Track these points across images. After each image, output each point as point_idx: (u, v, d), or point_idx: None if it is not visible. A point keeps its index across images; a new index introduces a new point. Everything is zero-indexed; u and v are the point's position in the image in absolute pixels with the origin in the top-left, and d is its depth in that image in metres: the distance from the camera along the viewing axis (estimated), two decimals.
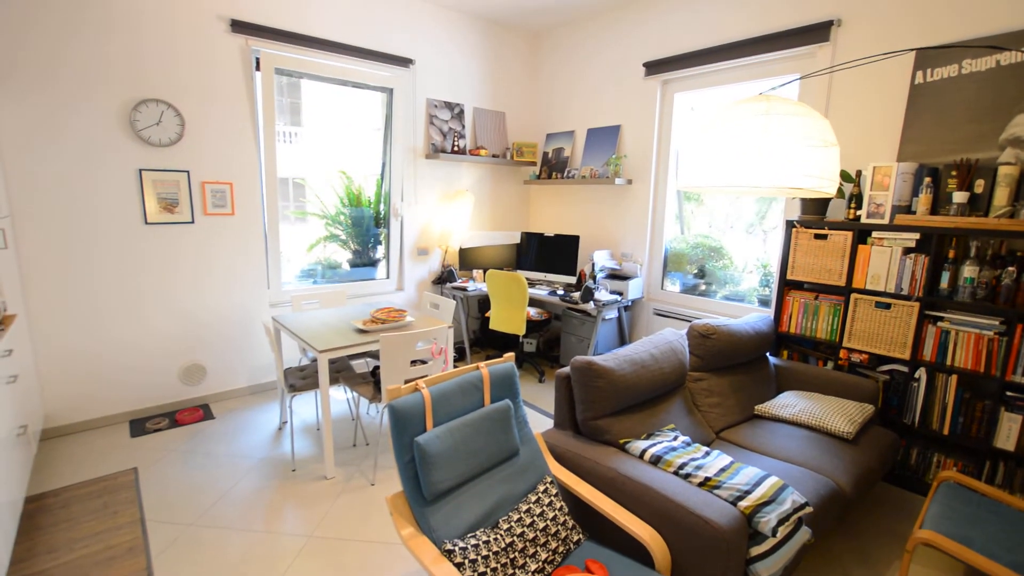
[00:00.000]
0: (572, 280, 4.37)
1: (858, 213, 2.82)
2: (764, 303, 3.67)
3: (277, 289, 3.75)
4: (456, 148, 4.35)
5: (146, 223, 3.14)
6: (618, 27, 4.17)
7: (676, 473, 1.69)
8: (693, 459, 1.75)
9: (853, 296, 2.75)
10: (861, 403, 2.52)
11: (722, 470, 1.68)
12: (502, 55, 4.68)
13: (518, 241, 4.85)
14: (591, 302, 3.78)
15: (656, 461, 1.75)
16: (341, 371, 2.99)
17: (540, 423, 3.37)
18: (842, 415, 2.36)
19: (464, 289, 4.23)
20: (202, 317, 3.42)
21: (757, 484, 1.62)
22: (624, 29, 4.13)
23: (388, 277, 4.37)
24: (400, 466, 1.53)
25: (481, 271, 4.58)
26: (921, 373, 2.54)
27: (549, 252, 4.50)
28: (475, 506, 1.57)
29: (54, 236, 2.90)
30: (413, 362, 2.63)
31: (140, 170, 3.08)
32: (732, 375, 2.63)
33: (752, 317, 2.91)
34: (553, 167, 4.74)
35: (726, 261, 4.01)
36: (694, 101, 3.94)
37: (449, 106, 4.39)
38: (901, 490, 2.67)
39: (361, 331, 2.77)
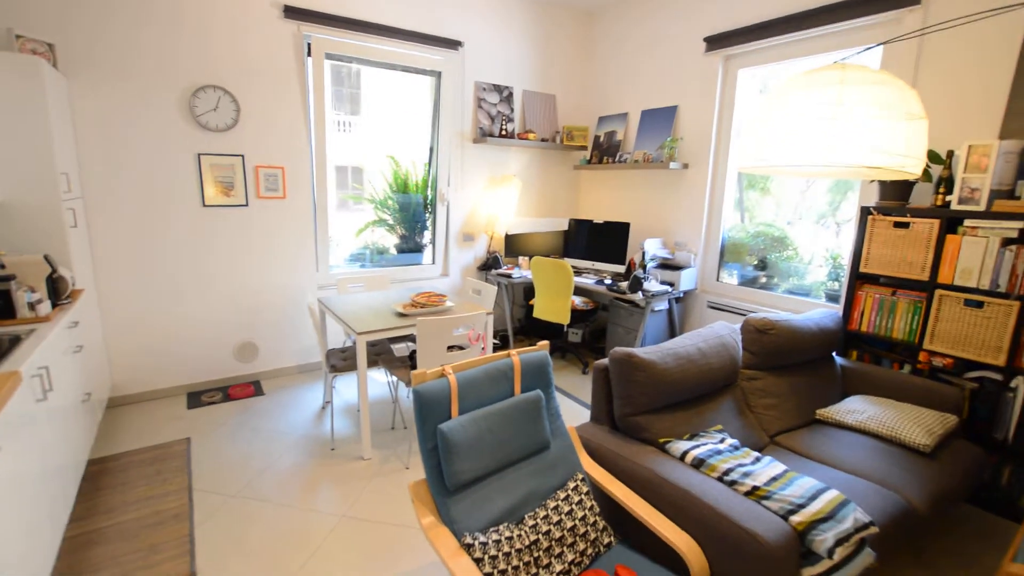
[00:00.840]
0: (621, 269, 4.19)
1: (947, 198, 2.49)
2: (833, 299, 3.36)
3: (325, 272, 3.83)
4: (504, 132, 4.26)
5: (204, 205, 3.27)
6: (675, 1, 3.90)
7: (721, 479, 1.54)
8: (741, 465, 1.59)
9: (938, 292, 2.44)
10: (942, 413, 2.23)
11: (773, 479, 1.52)
12: (553, 35, 4.53)
13: (566, 228, 4.71)
14: (639, 292, 3.60)
15: (699, 465, 1.60)
16: (381, 354, 3.00)
17: (580, 415, 3.26)
18: (918, 425, 2.10)
19: (509, 276, 4.16)
20: (255, 297, 3.55)
21: (813, 497, 1.45)
22: (683, 3, 3.86)
23: (434, 262, 4.36)
24: (423, 453, 1.48)
25: (527, 258, 4.48)
26: (1019, 382, 2.22)
27: (598, 240, 4.34)
28: (500, 499, 1.50)
29: (122, 217, 3.07)
30: (450, 348, 2.59)
31: (199, 154, 3.20)
32: (791, 375, 2.40)
33: (817, 313, 2.65)
34: (604, 151, 4.55)
35: (790, 252, 3.70)
36: (760, 78, 3.63)
37: (498, 89, 4.29)
38: (988, 514, 2.36)
39: (400, 315, 2.76)
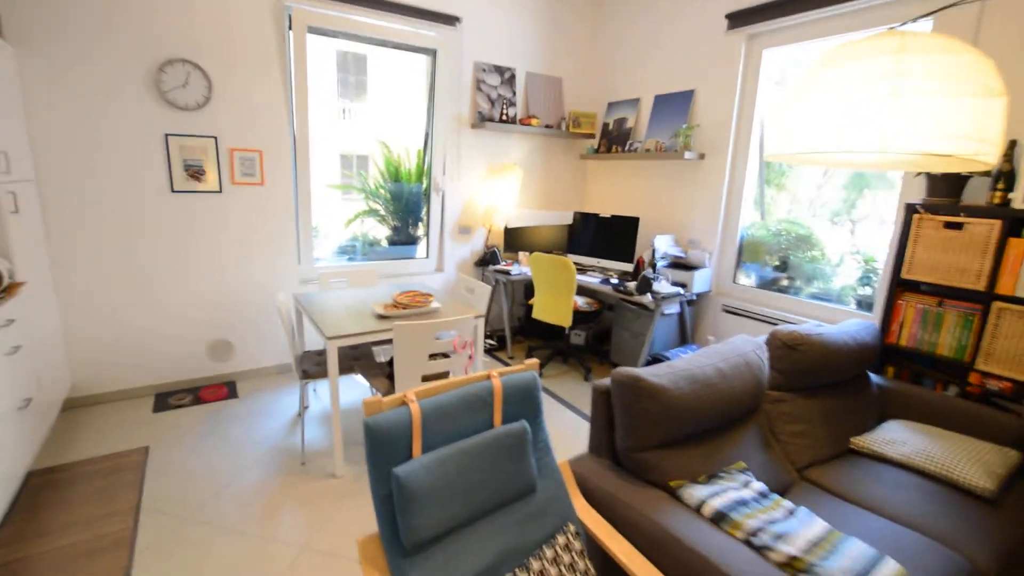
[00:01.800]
0: (629, 268, 3.87)
1: (1009, 196, 2.15)
2: (864, 305, 3.03)
3: (309, 265, 3.55)
4: (505, 117, 3.94)
5: (173, 191, 2.99)
6: None
7: (748, 542, 1.24)
8: (772, 522, 1.29)
9: (996, 305, 2.11)
10: (1001, 447, 1.91)
11: (815, 543, 1.21)
12: (560, 13, 4.18)
13: (570, 222, 4.39)
14: (648, 294, 3.29)
15: (719, 519, 1.30)
16: (359, 359, 2.72)
17: (580, 429, 2.97)
18: (976, 462, 1.78)
19: (507, 273, 3.85)
20: (230, 292, 3.27)
21: (868, 572, 1.14)
22: None
23: (427, 256, 4.07)
24: (376, 501, 1.19)
25: (527, 253, 4.18)
26: None
27: (604, 235, 4.02)
28: (471, 559, 1.21)
29: (82, 202, 2.80)
30: (433, 356, 2.30)
31: (166, 135, 2.92)
32: (823, 397, 2.09)
33: (851, 324, 2.32)
34: (613, 140, 4.21)
35: (815, 252, 3.36)
36: (787, 59, 3.28)
37: (499, 70, 3.96)
38: None
39: (380, 316, 2.47)
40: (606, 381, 1.65)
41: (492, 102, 3.96)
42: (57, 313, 2.81)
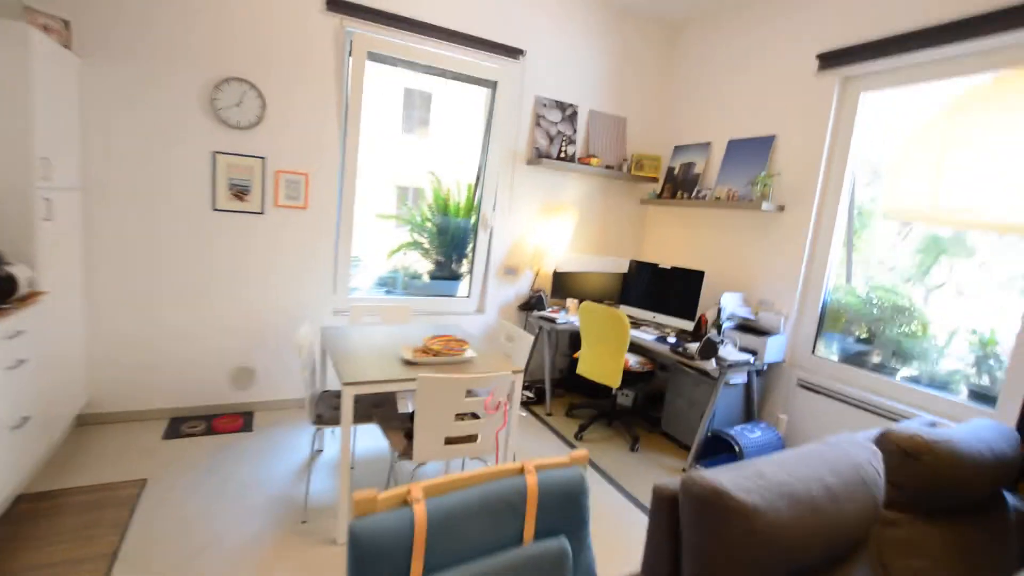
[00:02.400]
0: (689, 326, 3.46)
1: None
2: (982, 398, 2.49)
3: (343, 295, 3.36)
4: (563, 154, 3.71)
5: (214, 209, 2.90)
6: (782, 13, 3.26)
7: None
8: None
9: None
10: None
11: None
12: (629, 50, 3.98)
13: (625, 270, 4.04)
14: (712, 359, 2.87)
15: None
16: (380, 405, 2.44)
17: (623, 517, 2.53)
18: None
19: (553, 321, 3.53)
20: (260, 316, 3.12)
21: None
22: (790, 14, 3.21)
23: (469, 296, 3.82)
24: None
25: (576, 301, 3.85)
26: None
27: (663, 288, 3.64)
28: None
29: (123, 214, 2.74)
30: (460, 416, 1.99)
31: (215, 152, 2.85)
32: (948, 523, 1.61)
33: (980, 426, 1.83)
34: (679, 185, 3.89)
35: (914, 326, 2.86)
36: (887, 104, 2.89)
37: (560, 106, 3.77)
38: None
39: (407, 362, 2.19)
40: (671, 482, 1.27)
41: (551, 138, 3.75)
42: (82, 326, 2.71)
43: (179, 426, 2.90)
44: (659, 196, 4.00)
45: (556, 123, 3.77)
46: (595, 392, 3.94)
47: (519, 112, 3.63)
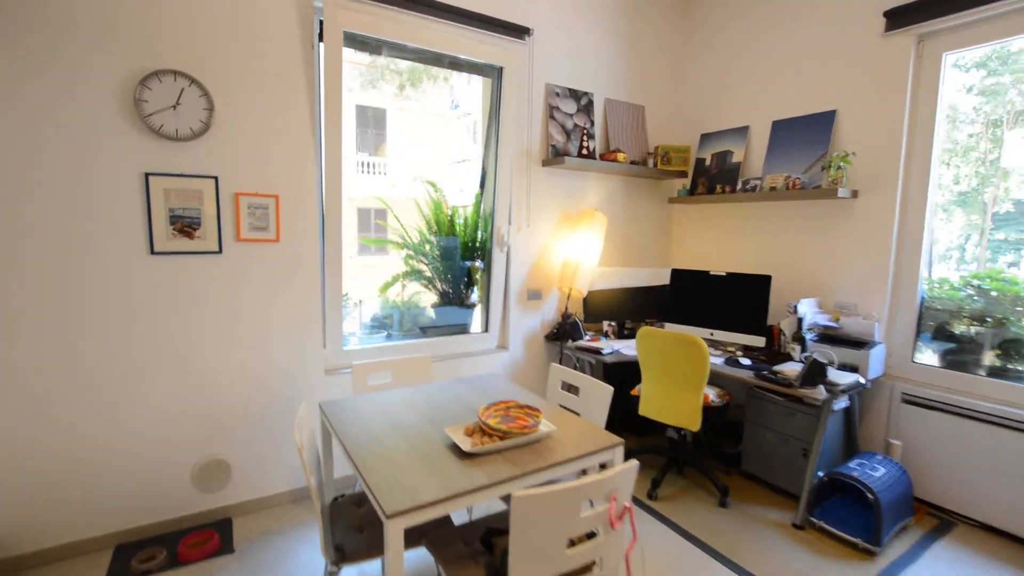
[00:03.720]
0: (757, 342, 2.91)
1: None
2: None
3: (336, 349, 2.61)
4: (585, 151, 3.11)
5: (152, 252, 2.11)
6: None
7: None
8: None
9: None
10: None
11: None
12: (642, 24, 3.45)
13: (665, 282, 3.47)
14: (820, 385, 2.31)
15: None
16: (431, 530, 1.72)
17: None
18: None
19: (597, 352, 2.89)
20: (227, 392, 2.32)
21: None
22: None
23: (486, 330, 3.13)
24: None
25: (612, 324, 3.24)
26: None
27: (718, 299, 3.08)
28: None
29: (20, 268, 1.91)
30: (574, 540, 1.31)
31: (146, 174, 2.07)
32: None
33: None
34: (714, 178, 3.37)
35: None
36: (973, 63, 2.46)
37: (575, 95, 3.18)
38: None
39: (467, 455, 1.50)
40: None
41: (567, 133, 3.15)
42: None
43: (128, 560, 2.06)
44: (692, 192, 3.47)
45: (571, 115, 3.17)
46: (646, 427, 3.32)
47: (530, 103, 3.01)
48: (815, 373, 2.30)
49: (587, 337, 3.10)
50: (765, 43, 3.14)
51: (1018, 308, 2.42)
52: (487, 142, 3.06)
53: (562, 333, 3.13)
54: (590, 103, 3.24)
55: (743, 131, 3.27)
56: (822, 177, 2.80)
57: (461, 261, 3.17)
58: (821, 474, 2.42)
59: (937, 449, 2.51)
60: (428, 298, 3.27)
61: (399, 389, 2.12)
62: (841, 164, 2.65)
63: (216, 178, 2.19)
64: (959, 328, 2.61)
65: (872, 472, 2.36)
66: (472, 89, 2.98)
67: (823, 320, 2.80)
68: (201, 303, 2.23)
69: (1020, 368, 2.41)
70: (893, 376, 2.70)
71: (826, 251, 2.90)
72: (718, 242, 3.48)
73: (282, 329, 2.41)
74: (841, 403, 2.52)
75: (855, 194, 2.74)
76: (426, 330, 3.06)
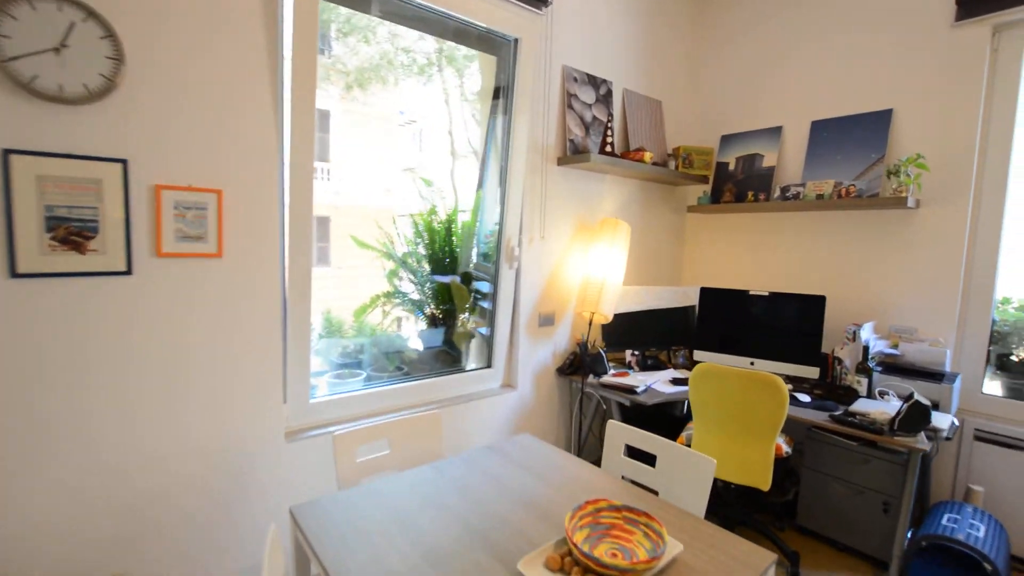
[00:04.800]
0: (811, 373, 2.50)
1: None
2: None
3: (302, 404, 1.91)
4: (608, 148, 2.60)
5: (13, 275, 1.35)
6: None
7: None
8: None
9: None
10: None
11: None
12: (659, 10, 3.02)
13: (691, 302, 3.01)
14: (921, 432, 1.90)
15: None
16: None
17: None
18: None
19: (631, 391, 2.36)
20: (144, 474, 1.57)
21: None
22: None
23: (490, 365, 2.52)
24: None
25: (635, 354, 2.74)
26: None
27: (760, 323, 2.66)
28: None
29: None
30: None
31: (5, 151, 1.32)
32: None
33: None
34: (741, 184, 2.97)
35: None
36: None
37: (593, 83, 2.68)
38: None
39: None
40: None
41: (586, 127, 2.63)
42: None
43: None
44: (716, 200, 3.05)
45: (590, 105, 2.66)
46: None
47: (546, 87, 2.46)
48: (918, 418, 1.89)
49: (612, 371, 2.57)
50: (805, 36, 2.78)
51: None
52: (488, 135, 2.48)
53: (575, 365, 2.58)
54: (608, 93, 2.74)
55: (775, 132, 2.90)
56: (880, 184, 2.46)
57: (462, 279, 2.55)
58: (909, 535, 2.01)
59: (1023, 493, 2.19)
60: (411, 323, 2.62)
61: (409, 471, 1.47)
62: (909, 170, 2.30)
63: (125, 162, 1.46)
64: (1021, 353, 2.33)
65: (974, 532, 1.98)
66: (423, 94, 2.42)
67: (883, 347, 2.43)
68: (99, 348, 1.47)
69: None
70: (963, 410, 2.37)
71: (881, 268, 2.56)
72: (743, 257, 3.08)
73: (224, 382, 1.69)
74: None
75: (917, 204, 2.41)
76: (410, 367, 2.41)
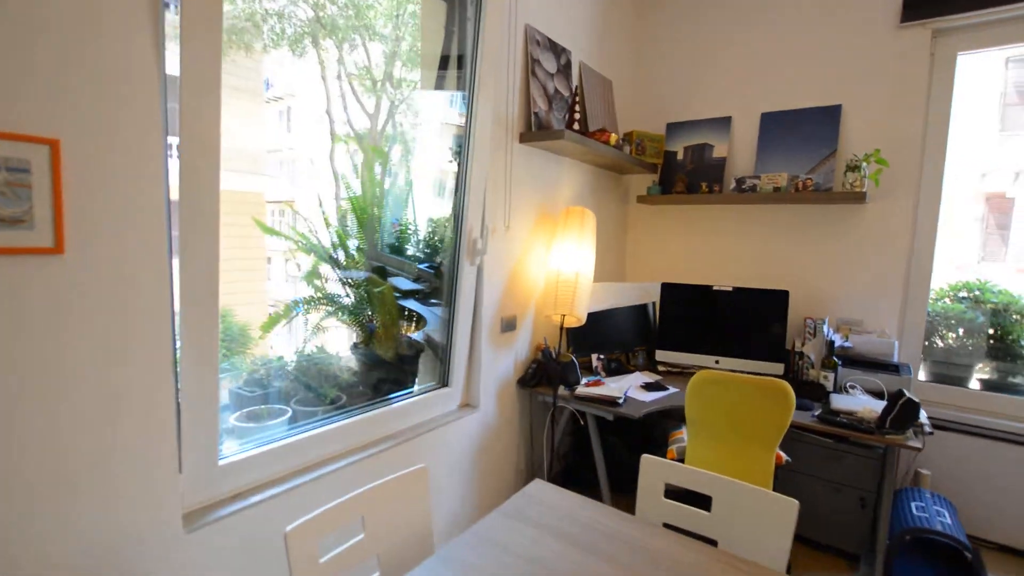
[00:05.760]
0: (775, 369, 2.45)
1: None
2: None
3: (207, 471, 1.28)
4: (577, 124, 2.27)
5: None
6: None
7: None
8: None
9: None
10: None
11: None
12: None
13: (654, 300, 2.82)
14: (909, 427, 1.89)
15: None
16: None
17: None
18: None
19: (613, 403, 2.07)
20: None
21: None
22: None
23: (446, 384, 2.06)
24: None
25: (602, 359, 2.47)
26: None
27: (720, 320, 2.56)
28: None
29: None
30: None
31: None
32: None
33: None
34: (692, 175, 2.86)
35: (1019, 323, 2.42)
36: (985, 67, 2.36)
37: (554, 50, 2.32)
38: None
39: None
40: None
41: (549, 100, 2.27)
42: None
43: None
44: (668, 191, 2.90)
45: (552, 76, 2.30)
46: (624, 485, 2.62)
47: (510, 48, 2.05)
48: (909, 415, 1.87)
49: (585, 381, 2.27)
50: (754, 26, 2.72)
51: (1014, 318, 2.39)
52: (468, 97, 2.00)
53: (540, 376, 2.24)
54: (568, 64, 2.41)
55: (725, 122, 2.82)
56: (833, 178, 2.48)
57: (401, 276, 2.03)
58: (907, 536, 2.01)
59: (968, 476, 2.35)
60: (341, 334, 2.04)
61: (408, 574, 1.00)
62: (872, 163, 2.32)
63: None
64: (954, 341, 2.52)
65: (942, 519, 2.04)
66: (289, 69, 1.89)
67: (839, 340, 2.46)
68: None
69: (1020, 381, 2.38)
70: None
71: (829, 262, 2.59)
72: (694, 251, 2.98)
73: (78, 449, 1.04)
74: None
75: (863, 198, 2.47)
76: (347, 396, 1.86)
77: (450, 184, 2.02)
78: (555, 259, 2.24)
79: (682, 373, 2.58)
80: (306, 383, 1.78)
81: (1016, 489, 2.25)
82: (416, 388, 2.02)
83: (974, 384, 2.47)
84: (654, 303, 2.79)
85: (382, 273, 1.98)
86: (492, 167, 2.01)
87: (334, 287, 1.99)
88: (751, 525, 1.21)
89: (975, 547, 1.92)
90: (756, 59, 2.72)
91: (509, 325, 2.22)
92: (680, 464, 1.33)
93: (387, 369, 2.00)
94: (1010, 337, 2.39)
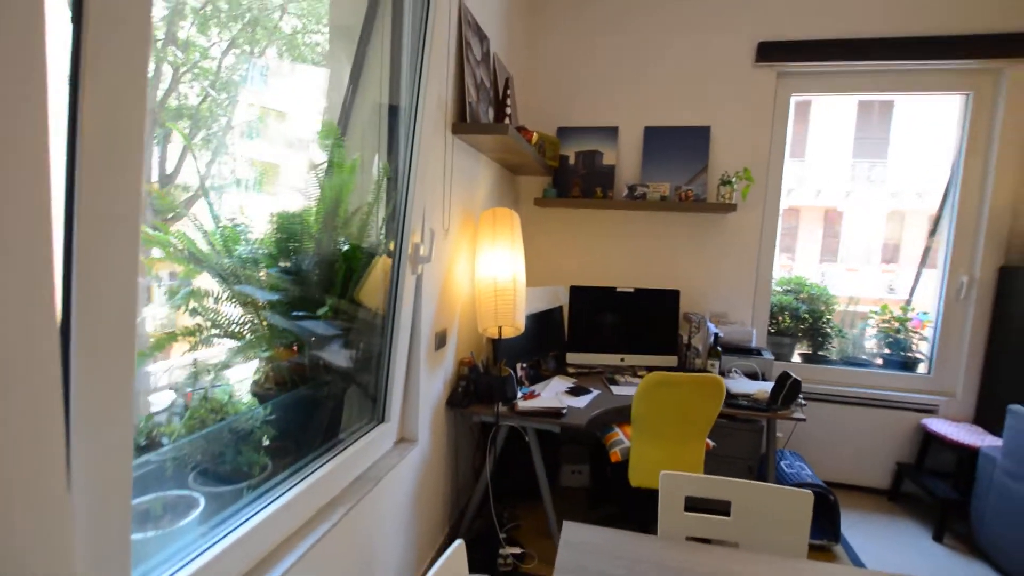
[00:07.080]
0: (670, 362, 2.70)
1: None
2: (900, 365, 2.93)
3: None
4: (509, 119, 2.12)
5: None
6: None
7: None
8: None
9: None
10: None
11: None
12: None
13: (563, 303, 2.82)
14: (792, 404, 2.26)
15: None
16: None
17: None
18: None
19: (556, 415, 2.01)
20: None
21: None
22: None
23: (384, 419, 1.72)
24: None
25: (525, 367, 2.39)
26: None
27: (623, 320, 2.70)
28: None
29: None
30: None
31: None
32: None
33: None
34: (584, 179, 2.96)
35: (827, 312, 3.13)
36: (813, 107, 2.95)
37: (480, 35, 2.13)
38: None
39: None
40: None
41: (477, 90, 2.07)
42: None
43: None
44: (564, 195, 2.94)
45: (479, 63, 2.10)
46: (600, 496, 2.63)
47: (449, 26, 1.80)
48: (793, 392, 2.23)
49: (521, 394, 2.15)
50: (643, 39, 2.92)
51: (821, 306, 3.07)
52: (354, 83, 1.65)
53: (479, 394, 2.07)
54: (488, 53, 2.24)
55: (612, 132, 2.98)
56: (706, 190, 2.82)
57: (326, 286, 1.62)
58: None
59: (811, 434, 2.91)
60: (240, 373, 1.54)
61: None
62: (744, 179, 2.70)
63: None
64: (783, 325, 3.12)
65: (805, 471, 2.50)
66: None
67: (713, 329, 2.83)
68: None
69: (829, 355, 3.07)
70: None
71: (703, 263, 2.96)
72: (581, 254, 3.09)
73: None
74: None
75: (731, 208, 2.87)
76: (271, 462, 1.41)
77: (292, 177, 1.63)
78: (487, 265, 2.07)
79: (590, 373, 2.66)
80: (218, 450, 1.29)
81: (842, 438, 2.88)
82: (343, 434, 1.64)
83: (796, 359, 3.09)
84: (560, 307, 2.81)
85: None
86: (433, 162, 1.74)
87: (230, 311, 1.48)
88: (770, 523, 1.27)
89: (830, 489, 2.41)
90: (639, 77, 2.93)
91: (441, 341, 1.98)
92: (697, 475, 1.33)
93: (305, 412, 1.58)
94: (821, 321, 3.06)
